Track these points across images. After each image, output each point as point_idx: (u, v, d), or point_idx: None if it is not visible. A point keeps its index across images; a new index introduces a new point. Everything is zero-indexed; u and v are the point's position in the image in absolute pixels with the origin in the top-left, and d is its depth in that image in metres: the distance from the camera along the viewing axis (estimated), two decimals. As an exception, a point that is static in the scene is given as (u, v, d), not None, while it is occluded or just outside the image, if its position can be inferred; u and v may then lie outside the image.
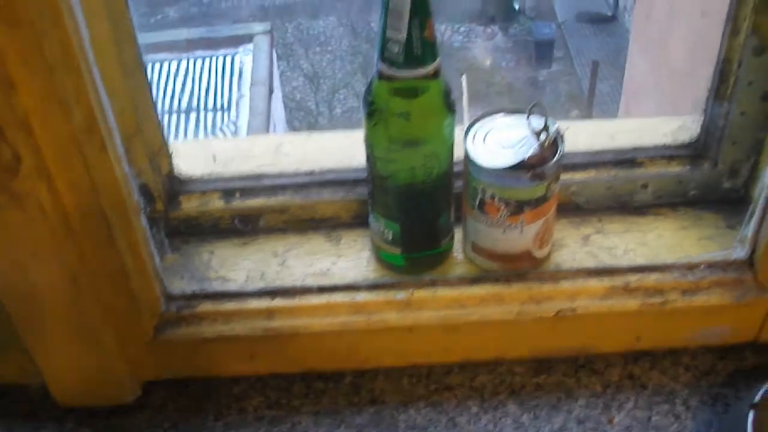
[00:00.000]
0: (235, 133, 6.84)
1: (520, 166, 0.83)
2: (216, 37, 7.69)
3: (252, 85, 7.18)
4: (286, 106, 8.88)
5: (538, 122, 0.86)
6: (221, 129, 6.91)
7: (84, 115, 0.72)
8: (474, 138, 0.87)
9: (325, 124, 9.60)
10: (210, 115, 7.03)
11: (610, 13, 10.74)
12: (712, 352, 0.96)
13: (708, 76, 0.93)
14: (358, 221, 0.98)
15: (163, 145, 0.94)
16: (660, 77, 4.94)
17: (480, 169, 0.84)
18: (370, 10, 10.60)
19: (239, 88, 7.22)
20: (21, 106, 0.68)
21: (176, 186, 0.98)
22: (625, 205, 1.00)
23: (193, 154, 1.02)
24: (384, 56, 0.78)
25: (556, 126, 0.85)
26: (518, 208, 0.86)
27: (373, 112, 0.82)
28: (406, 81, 0.79)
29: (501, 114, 0.89)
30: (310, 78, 9.89)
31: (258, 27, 7.95)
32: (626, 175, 0.98)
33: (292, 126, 9.32)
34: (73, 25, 0.69)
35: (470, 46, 10.34)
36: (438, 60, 0.79)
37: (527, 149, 0.84)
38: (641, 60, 5.49)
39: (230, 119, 6.99)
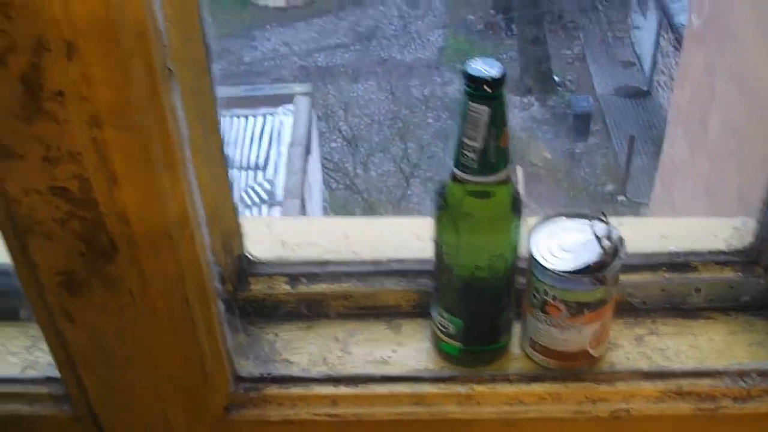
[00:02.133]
0: (271, 190, 6.89)
1: (584, 271, 0.86)
2: (257, 95, 7.78)
3: (290, 144, 7.24)
4: (323, 167, 8.96)
5: (600, 228, 0.89)
6: (255, 186, 6.96)
7: (178, 208, 0.76)
8: (538, 240, 0.90)
9: (360, 185, 9.66)
10: (245, 173, 7.08)
11: (645, 88, 10.78)
12: (761, 457, 0.98)
13: (747, 163, 0.96)
14: (418, 311, 1.01)
15: (237, 227, 0.98)
16: (698, 157, 4.95)
17: (544, 271, 0.87)
18: (410, 76, 10.70)
19: (277, 147, 7.28)
20: (121, 200, 0.72)
21: (246, 267, 1.01)
22: (677, 307, 1.02)
23: (258, 234, 1.05)
24: (458, 161, 0.81)
25: (617, 233, 0.89)
26: (579, 309, 0.88)
27: (443, 210, 0.86)
28: (478, 185, 0.83)
29: (563, 218, 0.93)
30: (348, 140, 9.98)
31: (299, 88, 8.04)
32: (680, 279, 1.00)
33: (329, 186, 9.39)
34: (175, 127, 0.73)
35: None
36: (509, 167, 0.83)
37: (590, 254, 0.87)
38: (680, 138, 5.50)
39: (265, 177, 7.05)
